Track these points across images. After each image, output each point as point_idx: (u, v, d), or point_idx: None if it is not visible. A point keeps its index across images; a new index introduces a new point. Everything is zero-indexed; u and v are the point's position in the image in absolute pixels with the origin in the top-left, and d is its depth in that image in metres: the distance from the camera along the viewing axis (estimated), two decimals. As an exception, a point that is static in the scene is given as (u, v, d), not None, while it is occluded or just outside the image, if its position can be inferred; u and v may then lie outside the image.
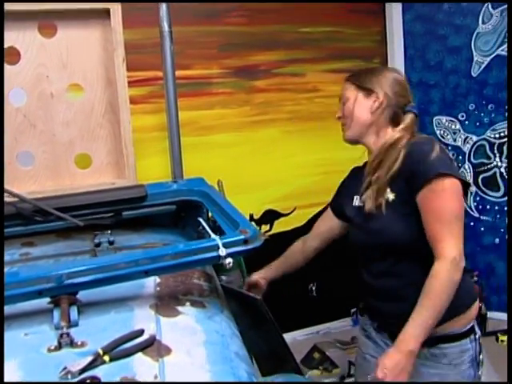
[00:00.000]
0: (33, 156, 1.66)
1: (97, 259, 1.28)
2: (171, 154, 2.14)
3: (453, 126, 3.19)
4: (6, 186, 1.43)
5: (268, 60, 2.96)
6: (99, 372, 0.84)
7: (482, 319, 1.43)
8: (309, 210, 2.93)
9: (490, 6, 2.99)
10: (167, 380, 0.84)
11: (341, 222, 1.63)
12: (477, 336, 1.44)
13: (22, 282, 0.98)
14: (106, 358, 0.86)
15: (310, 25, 3.03)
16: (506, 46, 2.96)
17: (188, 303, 1.11)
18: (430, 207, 1.32)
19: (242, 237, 1.13)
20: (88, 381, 0.82)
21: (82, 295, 1.03)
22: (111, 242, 1.41)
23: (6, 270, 1.18)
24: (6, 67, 1.58)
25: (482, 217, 3.18)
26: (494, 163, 3.10)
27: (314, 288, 3.20)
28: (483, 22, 3.02)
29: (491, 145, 3.10)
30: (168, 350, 0.92)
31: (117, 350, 0.89)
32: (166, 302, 1.09)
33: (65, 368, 0.83)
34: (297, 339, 2.94)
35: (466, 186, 1.38)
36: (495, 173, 3.11)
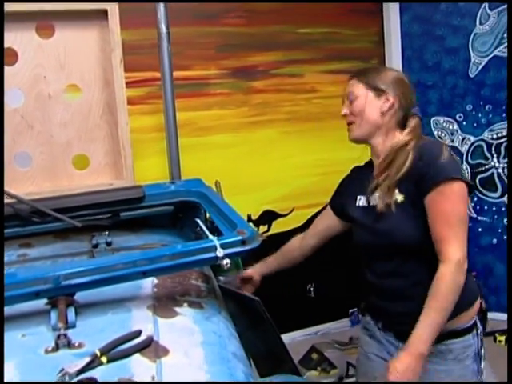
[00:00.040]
0: (30, 157, 1.66)
1: (94, 260, 1.28)
2: (169, 154, 2.14)
3: (450, 127, 3.19)
4: (4, 187, 1.43)
5: (266, 61, 2.96)
6: (96, 373, 0.84)
7: (483, 315, 1.46)
8: (307, 210, 2.92)
9: (487, 7, 3.00)
10: (165, 381, 0.84)
11: (340, 221, 1.63)
12: (479, 331, 1.46)
13: (20, 284, 0.97)
14: (104, 359, 0.86)
15: (307, 26, 3.04)
16: (503, 46, 2.97)
17: (186, 304, 1.11)
18: (438, 209, 1.34)
19: (239, 238, 1.12)
20: (85, 382, 0.82)
21: (80, 296, 1.03)
22: (109, 243, 1.40)
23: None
24: (4, 68, 1.58)
25: (479, 217, 3.18)
26: (492, 164, 3.11)
27: (311, 289, 3.20)
28: (480, 23, 3.03)
29: (489, 145, 3.10)
30: (165, 351, 0.92)
31: (114, 351, 0.89)
32: (163, 303, 1.09)
33: (62, 369, 0.83)
34: (295, 340, 2.94)
35: (470, 189, 1.39)
36: (493, 173, 3.11)
